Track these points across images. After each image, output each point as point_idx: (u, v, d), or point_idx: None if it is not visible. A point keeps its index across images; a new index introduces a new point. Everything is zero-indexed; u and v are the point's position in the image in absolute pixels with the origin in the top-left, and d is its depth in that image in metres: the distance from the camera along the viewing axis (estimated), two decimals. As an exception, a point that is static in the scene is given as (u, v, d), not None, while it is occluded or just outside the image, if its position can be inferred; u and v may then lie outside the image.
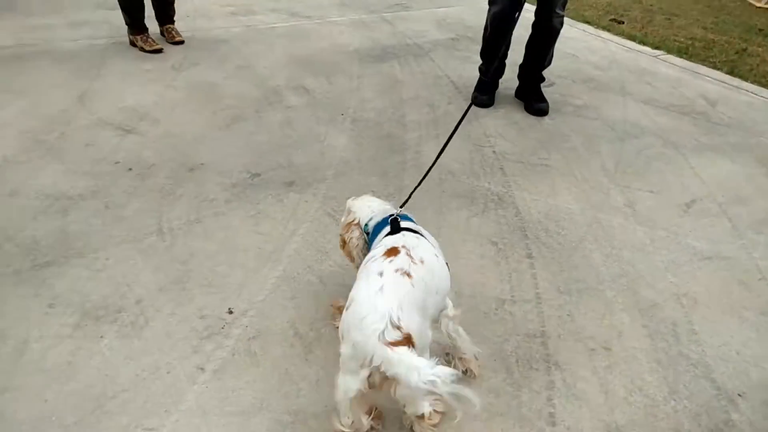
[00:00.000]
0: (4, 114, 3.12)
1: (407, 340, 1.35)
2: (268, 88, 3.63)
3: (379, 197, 2.02)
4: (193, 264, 2.21)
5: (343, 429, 1.51)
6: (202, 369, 1.80)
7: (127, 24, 4.03)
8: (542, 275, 2.25)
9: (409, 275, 1.48)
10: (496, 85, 3.67)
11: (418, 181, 2.12)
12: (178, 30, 4.23)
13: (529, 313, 2.08)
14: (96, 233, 2.32)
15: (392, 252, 1.55)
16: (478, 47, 4.48)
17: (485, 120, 3.43)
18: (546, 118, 3.49)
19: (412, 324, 1.39)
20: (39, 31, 4.25)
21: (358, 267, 1.73)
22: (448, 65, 4.16)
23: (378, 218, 1.83)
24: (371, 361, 1.33)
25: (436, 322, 1.65)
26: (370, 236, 1.83)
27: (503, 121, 3.42)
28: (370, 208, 1.91)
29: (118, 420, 1.63)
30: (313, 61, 4.09)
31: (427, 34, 4.76)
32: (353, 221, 1.89)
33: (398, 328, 1.35)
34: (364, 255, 1.78)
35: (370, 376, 1.36)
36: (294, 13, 5.04)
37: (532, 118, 3.48)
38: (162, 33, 4.24)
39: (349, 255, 1.90)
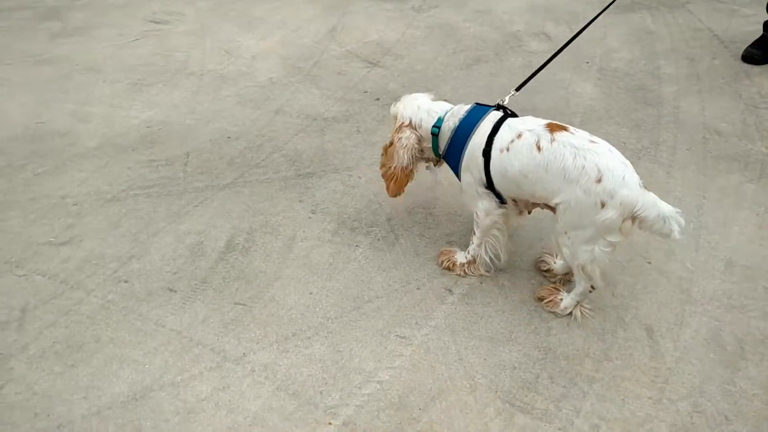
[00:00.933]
0: (268, 42, 3.42)
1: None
2: (507, 33, 3.51)
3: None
4: (439, 191, 2.22)
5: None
6: (450, 290, 1.82)
7: None
8: (842, 257, 1.89)
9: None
10: (781, 44, 3.13)
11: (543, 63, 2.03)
12: None
13: (825, 296, 1.76)
14: (349, 153, 2.45)
15: (557, 127, 1.63)
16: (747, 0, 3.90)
17: (759, 78, 2.96)
18: (841, 82, 2.91)
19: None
20: (294, -28, 4.58)
21: (404, 168, 1.78)
22: (710, 18, 3.65)
23: (459, 113, 1.75)
24: (638, 208, 1.49)
25: None
26: (455, 132, 1.72)
27: (784, 82, 2.92)
28: (418, 107, 1.81)
29: (373, 323, 1.71)
30: (553, 8, 3.86)
31: (682, -15, 4.23)
32: (403, 123, 1.81)
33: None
34: (414, 157, 1.79)
35: (627, 224, 1.51)
36: (532, -41, 4.80)
37: (822, 82, 2.92)
38: None
39: (391, 158, 1.81)
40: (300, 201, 2.19)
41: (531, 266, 1.90)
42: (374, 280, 1.85)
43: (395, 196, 1.86)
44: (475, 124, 1.70)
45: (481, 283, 1.84)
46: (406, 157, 1.78)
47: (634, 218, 1.51)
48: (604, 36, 3.46)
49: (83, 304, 1.74)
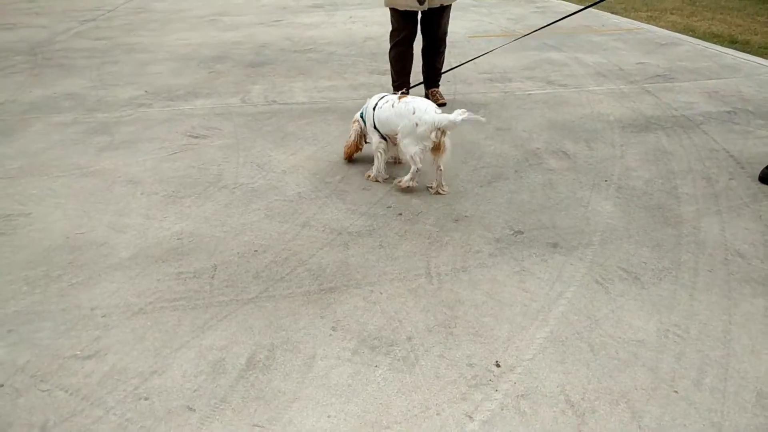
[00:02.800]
0: (299, 157, 3.61)
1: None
2: (527, 150, 3.66)
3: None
4: (460, 311, 2.24)
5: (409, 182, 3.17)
6: (470, 417, 1.78)
7: (393, 83, 4.43)
8: None
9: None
10: (799, 166, 3.20)
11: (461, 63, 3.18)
12: (441, 93, 4.52)
13: None
14: (372, 268, 2.51)
15: (403, 95, 3.20)
16: (761, 122, 4.03)
17: (779, 200, 2.99)
18: None
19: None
20: (326, 92, 4.91)
21: (354, 143, 3.44)
22: (725, 139, 3.76)
23: (371, 104, 3.31)
24: (438, 125, 2.93)
25: None
26: (372, 115, 3.27)
27: (805, 204, 2.94)
28: (365, 106, 3.38)
29: (391, 449, 1.67)
30: (572, 127, 4.03)
31: (696, 106, 4.40)
32: (354, 121, 3.45)
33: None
34: (361, 136, 3.43)
35: (435, 135, 2.95)
36: (550, 81, 5.08)
37: (844, 204, 2.93)
38: (427, 95, 4.54)
39: (349, 138, 3.47)
40: (321, 317, 2.22)
41: (554, 392, 1.86)
42: (393, 404, 1.83)
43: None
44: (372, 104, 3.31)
45: (502, 409, 1.80)
46: (356, 136, 3.44)
47: (438, 129, 2.94)
48: (622, 155, 3.57)
49: (101, 422, 1.75)
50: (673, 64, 5.56)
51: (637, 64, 5.59)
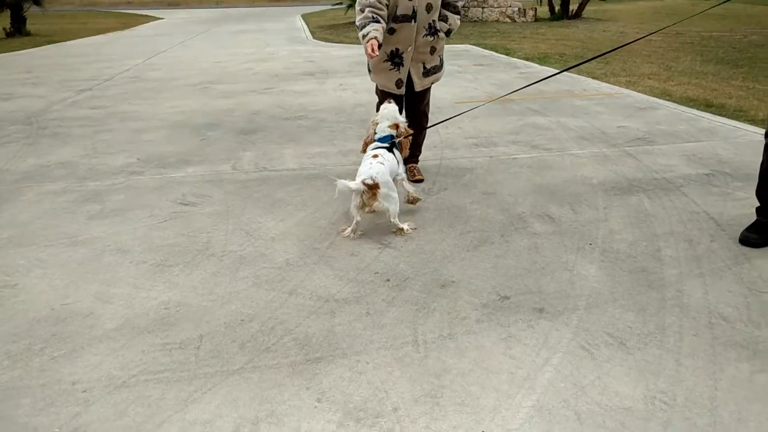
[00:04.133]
0: (288, 223, 3.66)
1: (376, 186, 3.30)
2: (512, 214, 3.73)
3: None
4: (447, 380, 2.22)
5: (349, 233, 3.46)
6: (457, 493, 1.74)
7: None
8: None
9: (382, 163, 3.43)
10: (778, 228, 3.27)
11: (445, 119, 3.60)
12: (420, 169, 4.49)
13: None
14: (358, 336, 2.50)
15: (375, 156, 3.50)
16: (739, 183, 4.14)
17: (759, 261, 3.04)
18: (842, 265, 2.97)
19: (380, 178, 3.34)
20: (316, 158, 5.02)
21: (366, 144, 3.78)
22: (705, 201, 3.85)
23: (381, 134, 3.72)
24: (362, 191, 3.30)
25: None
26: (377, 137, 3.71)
27: (785, 266, 2.99)
28: (386, 118, 3.76)
29: None
30: (556, 190, 4.12)
31: (676, 169, 4.52)
32: (374, 121, 3.83)
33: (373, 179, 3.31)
34: (369, 142, 3.74)
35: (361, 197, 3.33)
36: (534, 145, 5.22)
37: (823, 265, 2.99)
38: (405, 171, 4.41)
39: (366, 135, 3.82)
40: (307, 388, 2.19)
41: (541, 465, 1.83)
42: (378, 480, 1.79)
43: None
44: None
45: (489, 484, 1.77)
46: (366, 139, 3.88)
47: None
48: (606, 218, 3.64)
49: (79, 504, 1.70)
50: (652, 127, 5.75)
51: (618, 127, 5.77)
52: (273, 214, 3.81)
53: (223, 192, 4.23)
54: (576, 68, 9.37)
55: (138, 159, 5.09)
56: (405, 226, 3.49)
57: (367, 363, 2.33)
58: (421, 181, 4.37)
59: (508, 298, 2.77)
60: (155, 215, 3.83)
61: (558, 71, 4.54)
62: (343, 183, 3.26)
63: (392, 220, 3.44)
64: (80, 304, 2.77)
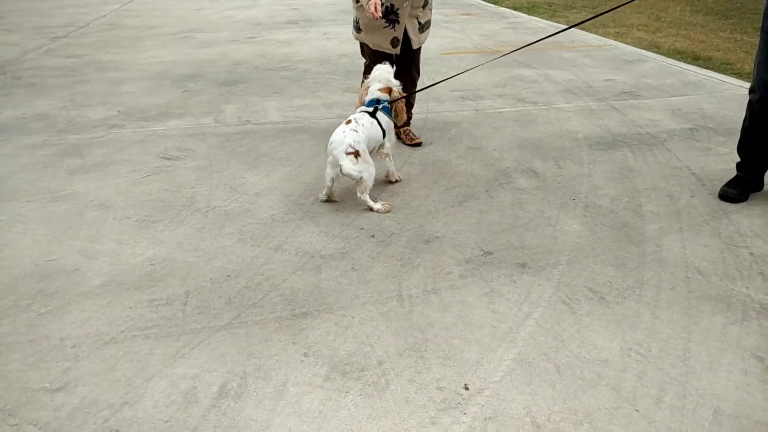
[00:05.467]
0: (272, 179, 3.64)
1: (356, 154, 3.15)
2: (497, 169, 3.74)
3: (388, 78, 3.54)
4: (431, 334, 2.28)
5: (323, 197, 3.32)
6: (439, 441, 1.82)
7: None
8: (830, 407, 1.90)
9: (356, 130, 3.22)
10: (759, 184, 3.31)
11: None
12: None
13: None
14: (344, 292, 2.54)
15: (348, 122, 3.28)
16: (722, 138, 4.17)
17: (737, 217, 3.10)
18: (816, 220, 3.05)
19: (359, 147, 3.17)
20: (300, 111, 4.95)
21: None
22: (687, 156, 3.89)
23: (369, 97, 3.48)
24: (338, 162, 3.13)
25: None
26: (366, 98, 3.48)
27: (762, 221, 3.05)
28: (378, 80, 3.50)
29: (362, 476, 1.70)
30: (542, 145, 4.13)
31: (661, 124, 4.54)
32: (365, 85, 3.57)
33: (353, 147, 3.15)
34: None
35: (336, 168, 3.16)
36: (521, 98, 5.19)
37: (799, 220, 3.06)
38: (398, 134, 4.16)
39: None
40: (294, 343, 2.24)
41: (521, 414, 1.90)
42: (364, 430, 1.85)
43: None
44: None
45: (470, 433, 1.84)
46: (360, 101, 3.63)
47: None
48: (590, 173, 3.67)
49: (72, 456, 1.75)
50: (639, 80, 5.73)
51: (605, 80, 5.74)
52: (257, 169, 3.78)
53: (206, 146, 4.18)
54: (563, 18, 9.22)
55: (119, 111, 4.97)
56: (377, 206, 3.20)
57: (353, 318, 2.38)
58: (419, 144, 4.15)
59: (491, 253, 2.81)
60: (138, 170, 3.79)
61: (566, 27, 4.32)
62: (347, 169, 3.12)
63: (361, 196, 3.20)
64: (65, 261, 2.76)
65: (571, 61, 6.53)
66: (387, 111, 3.45)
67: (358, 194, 3.21)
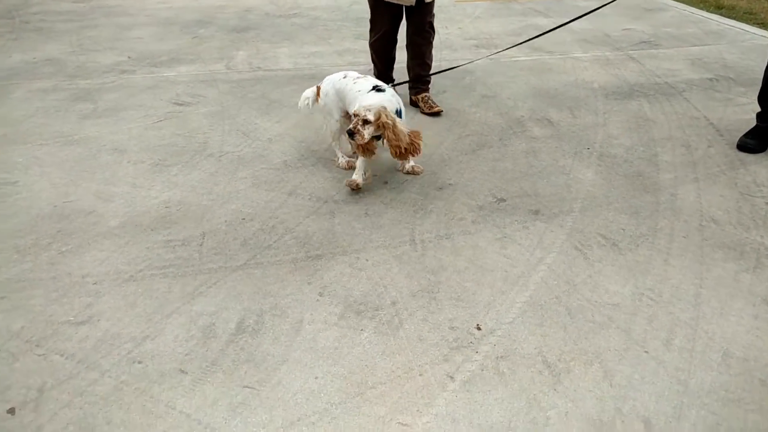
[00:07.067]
0: (285, 125, 3.62)
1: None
2: (511, 118, 3.69)
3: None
4: (443, 276, 2.31)
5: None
6: (452, 378, 1.86)
7: (377, 76, 3.80)
8: (838, 351, 1.92)
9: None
10: (777, 135, 3.27)
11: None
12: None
13: (821, 391, 1.79)
14: (357, 235, 2.56)
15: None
16: (742, 89, 4.08)
17: (754, 167, 3.07)
18: (834, 172, 3.01)
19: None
20: (311, 58, 4.88)
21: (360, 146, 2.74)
22: (706, 107, 3.82)
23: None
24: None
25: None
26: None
27: (778, 171, 3.02)
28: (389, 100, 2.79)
29: (376, 409, 1.76)
30: (556, 94, 4.06)
31: (679, 74, 4.44)
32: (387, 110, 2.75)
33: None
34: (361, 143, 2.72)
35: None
36: (536, 47, 5.07)
37: (816, 171, 3.02)
38: (416, 102, 3.86)
39: (399, 137, 2.66)
40: (309, 283, 2.28)
41: (532, 353, 1.95)
42: (378, 366, 1.91)
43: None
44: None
45: (482, 370, 1.89)
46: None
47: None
48: (605, 123, 3.62)
49: (97, 384, 1.81)
50: (658, 30, 5.58)
51: (623, 30, 5.59)
52: (269, 115, 3.76)
53: (217, 92, 4.14)
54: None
55: (128, 57, 4.92)
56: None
57: (367, 260, 2.41)
58: (439, 113, 3.72)
59: (504, 200, 2.81)
60: (150, 115, 3.77)
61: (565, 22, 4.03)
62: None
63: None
64: (82, 202, 2.79)
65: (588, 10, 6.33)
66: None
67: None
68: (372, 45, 3.88)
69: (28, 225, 2.61)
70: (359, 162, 2.87)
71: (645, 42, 5.23)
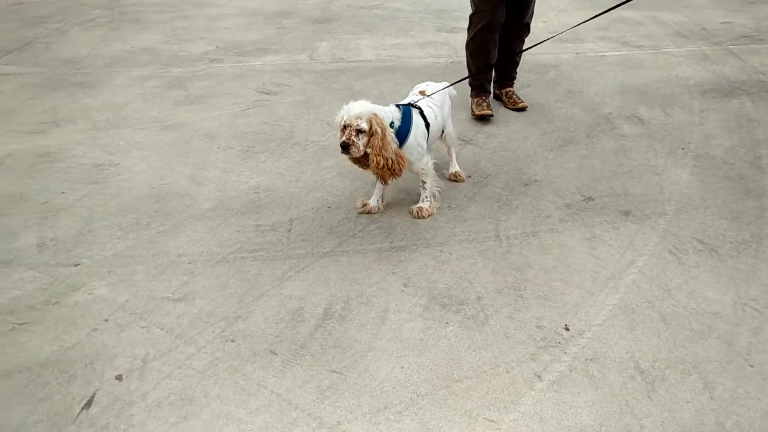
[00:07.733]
0: (367, 116, 3.65)
1: None
2: (599, 114, 3.57)
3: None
4: (529, 274, 2.27)
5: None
6: (539, 377, 1.83)
7: (471, 81, 3.59)
8: None
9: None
10: None
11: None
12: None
13: None
14: (441, 228, 2.56)
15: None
16: None
17: None
18: None
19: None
20: (393, 50, 4.90)
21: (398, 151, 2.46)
22: (816, 107, 3.55)
23: (398, 116, 2.57)
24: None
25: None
26: (400, 128, 2.53)
27: None
28: (384, 112, 2.53)
29: (462, 403, 1.75)
30: (647, 91, 3.89)
31: (785, 71, 4.15)
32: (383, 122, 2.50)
33: None
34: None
35: None
36: (625, 42, 4.88)
37: None
38: (498, 96, 3.80)
39: (386, 148, 2.41)
40: (393, 273, 2.30)
41: (623, 358, 1.88)
42: (464, 360, 1.90)
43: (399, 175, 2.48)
44: (410, 121, 2.57)
45: (571, 371, 1.84)
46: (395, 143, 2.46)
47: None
48: (702, 122, 3.44)
49: (195, 359, 1.90)
50: (761, 23, 5.23)
51: (722, 23, 5.28)
52: (352, 106, 3.80)
53: (302, 82, 4.23)
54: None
55: (217, 47, 5.11)
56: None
57: (450, 254, 2.40)
58: (523, 109, 3.65)
59: (592, 199, 2.73)
60: (238, 103, 3.90)
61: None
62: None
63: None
64: (176, 185, 2.93)
65: (682, 2, 6.03)
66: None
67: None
68: (470, 44, 3.53)
69: (130, 205, 2.77)
70: (377, 187, 2.69)
71: (746, 36, 4.91)
